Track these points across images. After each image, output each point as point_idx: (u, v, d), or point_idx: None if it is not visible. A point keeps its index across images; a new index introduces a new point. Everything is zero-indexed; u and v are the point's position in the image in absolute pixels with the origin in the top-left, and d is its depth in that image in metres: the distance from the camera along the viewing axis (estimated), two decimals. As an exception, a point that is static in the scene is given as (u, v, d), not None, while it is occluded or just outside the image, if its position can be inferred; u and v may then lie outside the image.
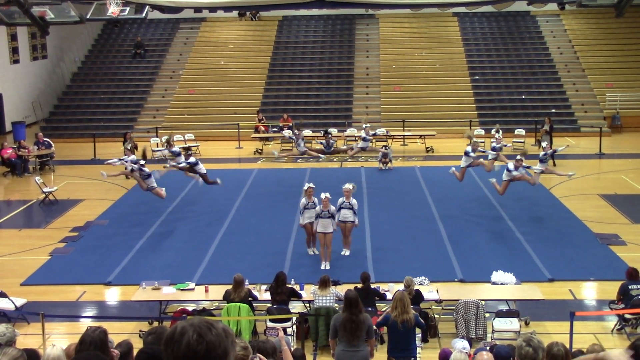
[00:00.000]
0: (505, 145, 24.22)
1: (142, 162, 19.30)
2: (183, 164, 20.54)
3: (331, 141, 25.18)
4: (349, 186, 16.12)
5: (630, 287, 12.70)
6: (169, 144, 22.23)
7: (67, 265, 16.50)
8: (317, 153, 25.49)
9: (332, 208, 15.69)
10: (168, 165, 21.48)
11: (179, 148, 22.48)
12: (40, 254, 17.24)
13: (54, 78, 34.99)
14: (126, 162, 19.82)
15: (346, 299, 9.71)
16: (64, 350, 6.44)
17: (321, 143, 25.73)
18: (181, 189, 22.10)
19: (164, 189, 19.59)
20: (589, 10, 35.44)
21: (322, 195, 15.59)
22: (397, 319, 9.85)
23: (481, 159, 21.34)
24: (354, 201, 16.06)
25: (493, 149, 22.89)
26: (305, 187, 16.16)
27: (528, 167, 19.24)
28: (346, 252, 16.46)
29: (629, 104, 32.06)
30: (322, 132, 27.03)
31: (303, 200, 16.13)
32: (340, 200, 16.01)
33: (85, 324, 12.62)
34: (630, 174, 23.75)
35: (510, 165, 18.97)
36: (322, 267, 15.56)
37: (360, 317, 9.53)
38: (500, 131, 24.88)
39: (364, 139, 24.67)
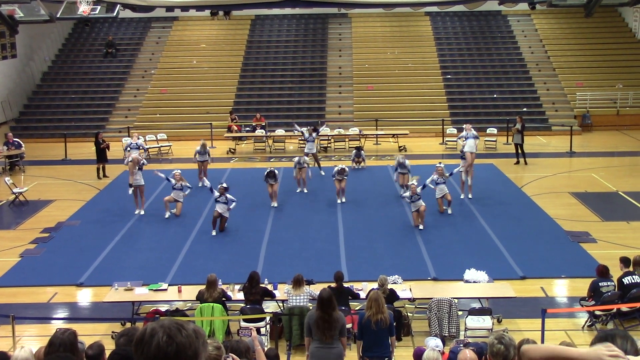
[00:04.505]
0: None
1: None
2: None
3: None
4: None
5: (600, 284, 12.86)
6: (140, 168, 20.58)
7: (38, 267, 16.34)
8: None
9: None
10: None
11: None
12: (11, 255, 17.05)
13: (24, 77, 34.55)
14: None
15: (319, 298, 9.70)
16: (35, 353, 6.39)
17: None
18: (153, 189, 21.94)
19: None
20: (559, 10, 35.79)
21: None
22: (372, 318, 9.85)
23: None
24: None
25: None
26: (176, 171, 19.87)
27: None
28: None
29: (599, 103, 32.41)
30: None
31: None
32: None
33: (56, 326, 12.51)
34: (601, 172, 24.01)
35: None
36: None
37: (334, 315, 9.51)
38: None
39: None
